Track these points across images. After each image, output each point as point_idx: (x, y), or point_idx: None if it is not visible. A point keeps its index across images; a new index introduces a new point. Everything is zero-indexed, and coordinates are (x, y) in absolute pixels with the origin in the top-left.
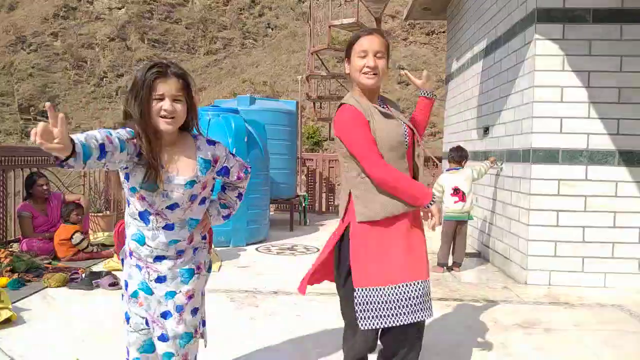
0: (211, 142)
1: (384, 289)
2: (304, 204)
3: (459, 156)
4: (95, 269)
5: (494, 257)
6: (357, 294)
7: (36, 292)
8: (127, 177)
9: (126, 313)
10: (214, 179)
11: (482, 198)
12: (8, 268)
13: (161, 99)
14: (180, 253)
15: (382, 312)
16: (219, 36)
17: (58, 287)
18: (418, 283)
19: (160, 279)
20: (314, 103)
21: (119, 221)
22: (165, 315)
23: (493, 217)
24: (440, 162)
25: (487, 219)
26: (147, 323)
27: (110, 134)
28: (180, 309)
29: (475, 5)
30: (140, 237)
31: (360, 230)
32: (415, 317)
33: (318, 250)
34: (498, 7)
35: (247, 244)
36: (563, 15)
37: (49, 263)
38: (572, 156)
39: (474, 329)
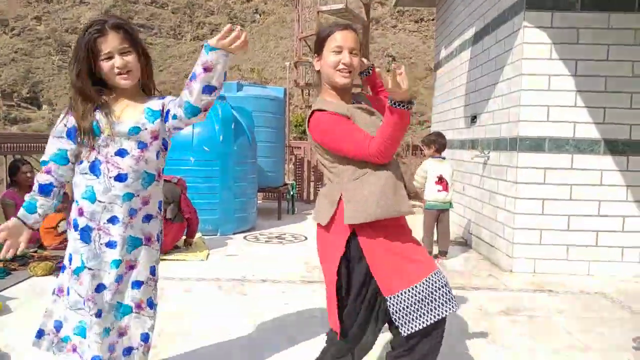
0: (162, 97)
1: (417, 287)
2: (291, 193)
3: (444, 144)
4: None
5: (480, 245)
6: (390, 302)
7: (22, 280)
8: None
9: (68, 288)
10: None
11: (468, 186)
12: None
13: (110, 57)
14: (132, 214)
15: (420, 311)
16: (206, 21)
17: (44, 275)
18: (438, 273)
19: (110, 244)
20: (302, 90)
21: None
22: (99, 288)
23: (479, 205)
24: None
25: (473, 207)
26: (83, 303)
27: (50, 167)
28: (119, 279)
29: None
30: (91, 194)
31: (370, 236)
32: (446, 309)
33: (306, 238)
34: None
35: (235, 233)
36: (552, 3)
37: (35, 251)
38: (559, 145)
39: (459, 316)
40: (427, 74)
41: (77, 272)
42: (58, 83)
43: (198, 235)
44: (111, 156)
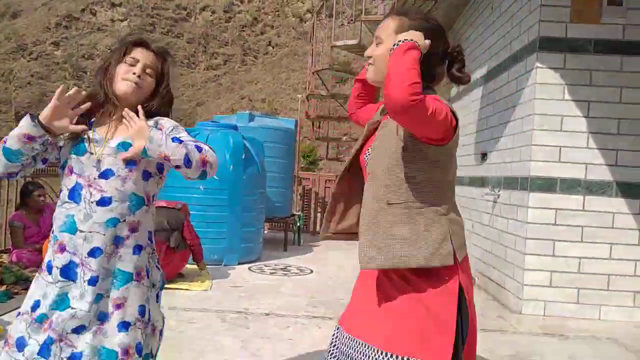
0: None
1: None
2: (298, 224)
3: None
4: None
5: (488, 284)
6: None
7: None
8: (58, 156)
9: (22, 338)
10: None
11: (477, 225)
12: None
13: (133, 64)
14: (117, 242)
15: None
16: (220, 52)
17: None
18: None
19: (92, 280)
20: (312, 122)
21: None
22: (78, 330)
23: (488, 244)
24: None
25: (482, 246)
26: (42, 351)
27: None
28: (103, 317)
29: (476, 32)
30: (71, 224)
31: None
32: None
33: (312, 271)
34: (499, 35)
35: (240, 263)
36: (565, 45)
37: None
38: (570, 186)
39: None
40: None
41: (40, 319)
42: None
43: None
44: (94, 179)
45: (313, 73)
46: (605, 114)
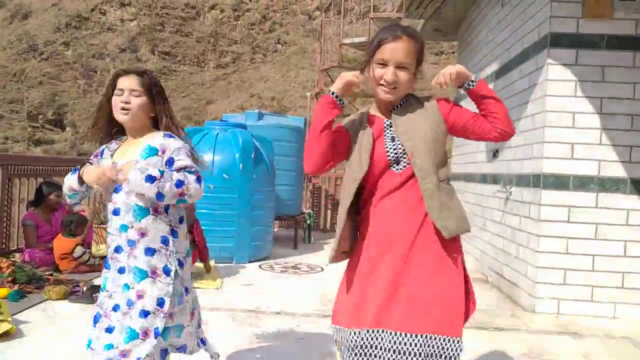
0: (169, 136)
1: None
2: (308, 222)
3: None
4: (96, 282)
5: (501, 282)
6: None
7: (36, 304)
8: None
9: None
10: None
11: (490, 222)
12: (9, 279)
13: (120, 94)
14: (131, 245)
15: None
16: (229, 50)
17: (58, 300)
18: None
19: (121, 270)
20: None
21: None
22: (115, 308)
23: (500, 242)
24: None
25: (494, 244)
26: (94, 321)
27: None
28: (130, 303)
29: (487, 28)
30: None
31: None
32: None
33: (322, 269)
34: (510, 31)
35: (250, 261)
36: (576, 41)
37: (51, 274)
38: (583, 183)
39: (481, 357)
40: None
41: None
42: (82, 106)
43: (211, 262)
44: (112, 194)
45: (321, 71)
46: (618, 110)
